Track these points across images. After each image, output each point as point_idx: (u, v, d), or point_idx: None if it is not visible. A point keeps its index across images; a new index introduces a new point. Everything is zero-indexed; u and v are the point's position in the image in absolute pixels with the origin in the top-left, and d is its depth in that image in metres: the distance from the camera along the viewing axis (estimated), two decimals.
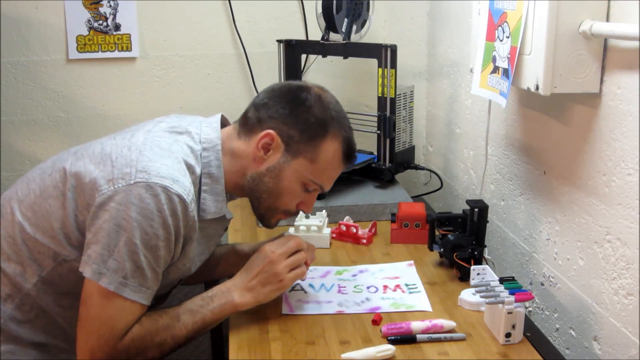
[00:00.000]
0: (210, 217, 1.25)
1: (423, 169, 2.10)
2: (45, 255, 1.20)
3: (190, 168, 1.20)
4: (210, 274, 1.46)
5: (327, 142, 1.25)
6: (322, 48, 1.97)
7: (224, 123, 1.33)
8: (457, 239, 1.44)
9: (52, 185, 1.21)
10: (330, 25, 1.92)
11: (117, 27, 2.08)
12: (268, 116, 1.25)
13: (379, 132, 1.87)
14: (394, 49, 1.81)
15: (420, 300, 1.35)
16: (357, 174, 1.93)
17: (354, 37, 1.95)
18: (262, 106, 1.27)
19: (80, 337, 1.14)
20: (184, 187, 1.15)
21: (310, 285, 1.41)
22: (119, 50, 2.10)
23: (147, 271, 1.14)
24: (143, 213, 1.11)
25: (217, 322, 1.23)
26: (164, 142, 1.21)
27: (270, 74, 2.17)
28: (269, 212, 1.30)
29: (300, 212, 1.67)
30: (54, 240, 1.19)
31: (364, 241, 1.65)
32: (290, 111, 1.25)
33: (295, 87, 1.29)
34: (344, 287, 1.42)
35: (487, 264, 1.43)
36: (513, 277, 1.25)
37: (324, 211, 1.70)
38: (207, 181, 1.24)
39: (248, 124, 1.27)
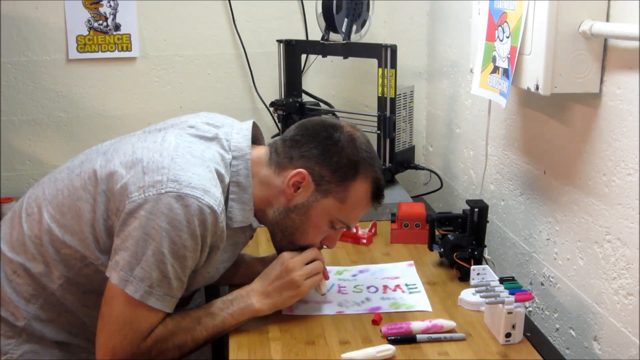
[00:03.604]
0: (237, 226, 1.25)
1: (423, 169, 2.10)
2: (72, 257, 1.20)
3: (220, 176, 1.20)
4: (228, 279, 1.45)
5: (358, 183, 1.25)
6: (322, 48, 1.97)
7: (255, 131, 1.32)
8: (457, 239, 1.44)
9: (81, 187, 1.20)
10: (330, 25, 1.92)
11: (117, 27, 2.08)
12: (300, 155, 1.24)
13: (379, 132, 1.87)
14: (394, 49, 1.81)
15: (420, 300, 1.35)
16: None
17: (354, 37, 1.94)
18: (295, 143, 1.26)
19: (102, 335, 1.14)
20: (215, 197, 1.15)
21: None
22: (119, 50, 2.10)
23: (173, 281, 1.14)
24: (172, 223, 1.11)
25: (237, 325, 1.23)
26: (196, 148, 1.20)
27: (270, 74, 2.18)
28: (290, 245, 1.29)
29: None
30: (82, 243, 1.19)
31: (364, 241, 1.65)
32: (322, 151, 1.24)
33: (328, 126, 1.27)
34: (344, 287, 1.42)
35: (487, 264, 1.43)
36: (513, 277, 1.25)
37: None
38: (235, 190, 1.23)
39: (279, 156, 1.26)
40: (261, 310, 1.24)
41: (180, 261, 1.14)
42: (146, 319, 1.13)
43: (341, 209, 1.26)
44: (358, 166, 1.24)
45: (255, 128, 1.32)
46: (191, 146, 1.21)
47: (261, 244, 1.65)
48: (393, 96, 1.84)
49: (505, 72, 1.31)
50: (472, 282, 1.34)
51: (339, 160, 1.24)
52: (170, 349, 1.16)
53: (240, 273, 1.43)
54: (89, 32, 2.07)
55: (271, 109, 2.08)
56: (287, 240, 1.29)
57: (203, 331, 1.19)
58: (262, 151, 1.29)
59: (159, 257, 1.11)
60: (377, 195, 1.28)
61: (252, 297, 1.24)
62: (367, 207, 1.30)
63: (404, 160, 2.01)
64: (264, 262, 1.39)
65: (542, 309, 1.46)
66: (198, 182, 1.14)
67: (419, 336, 1.19)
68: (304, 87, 2.11)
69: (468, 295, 1.32)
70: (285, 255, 1.27)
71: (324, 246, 1.34)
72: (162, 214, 1.11)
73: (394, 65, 1.82)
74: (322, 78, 2.24)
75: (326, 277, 1.33)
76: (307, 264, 1.27)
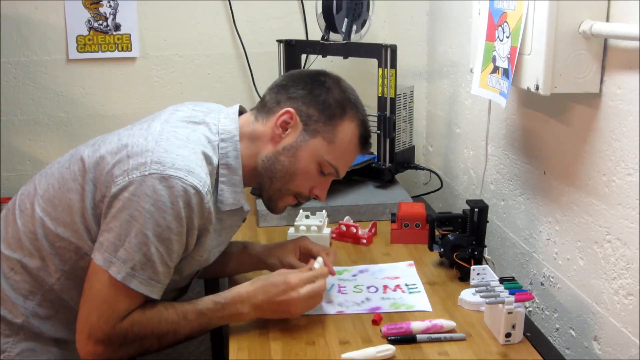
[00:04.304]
0: (227, 209, 1.24)
1: (423, 169, 2.10)
2: (66, 250, 1.20)
3: (207, 159, 1.19)
4: (222, 271, 1.45)
5: (345, 123, 1.26)
6: (322, 48, 1.97)
7: (241, 113, 1.32)
8: (457, 239, 1.44)
9: (71, 179, 1.21)
10: (330, 25, 1.92)
11: (117, 27, 2.08)
12: (287, 97, 1.26)
13: (379, 132, 1.87)
14: (394, 49, 1.81)
15: (420, 300, 1.35)
16: (357, 174, 1.93)
17: (354, 37, 1.94)
18: (281, 88, 1.28)
19: (81, 312, 1.15)
20: (200, 178, 1.14)
21: None
22: (119, 50, 2.10)
23: (158, 265, 1.13)
24: (156, 205, 1.11)
25: (220, 325, 1.23)
26: (181, 132, 1.20)
27: (270, 74, 2.17)
28: (279, 193, 1.28)
29: (300, 212, 1.68)
30: (75, 234, 1.19)
31: (364, 241, 1.65)
32: (310, 91, 1.25)
33: (314, 72, 1.30)
34: (344, 287, 1.42)
35: (487, 264, 1.43)
36: (513, 277, 1.25)
37: (324, 211, 1.70)
38: (224, 172, 1.23)
39: (266, 106, 1.28)
40: (249, 319, 1.23)
41: (166, 244, 1.13)
42: (124, 300, 1.13)
43: (330, 150, 1.25)
44: (345, 106, 1.26)
45: (242, 109, 1.33)
46: (176, 130, 1.21)
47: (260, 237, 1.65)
48: (393, 96, 1.84)
49: (505, 72, 1.31)
50: (472, 282, 1.34)
51: (325, 99, 1.25)
52: (148, 337, 1.15)
53: (241, 261, 1.44)
54: (89, 32, 2.07)
55: None
56: (275, 187, 1.27)
57: (187, 328, 1.18)
58: (247, 114, 1.31)
59: (142, 239, 1.11)
60: (365, 137, 1.29)
61: (245, 306, 1.21)
62: (355, 150, 1.30)
63: (404, 160, 2.01)
64: (259, 251, 1.41)
65: (542, 309, 1.46)
66: (182, 163, 1.13)
67: (419, 336, 1.19)
68: None
69: (468, 295, 1.32)
70: (293, 282, 1.21)
71: (314, 198, 1.31)
72: (145, 195, 1.11)
73: (394, 65, 1.82)
74: None
75: (331, 272, 1.32)
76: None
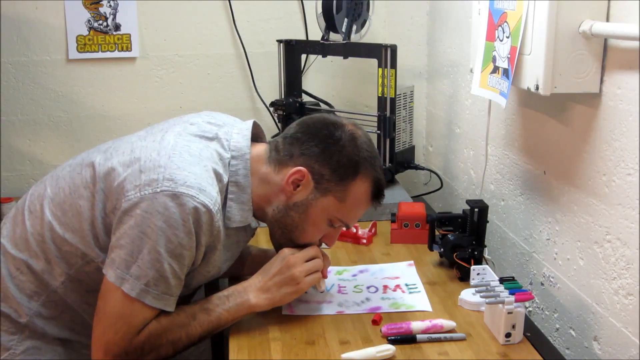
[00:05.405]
0: (235, 226, 1.25)
1: (423, 169, 2.11)
2: (73, 255, 1.21)
3: (218, 176, 1.20)
4: (239, 271, 1.46)
5: (357, 183, 1.24)
6: (322, 48, 1.97)
7: (256, 130, 1.32)
8: (457, 239, 1.44)
9: (82, 185, 1.21)
10: (330, 25, 1.92)
11: (117, 27, 2.08)
12: (300, 152, 1.24)
13: (379, 132, 1.87)
14: (394, 49, 1.81)
15: (420, 300, 1.35)
16: None
17: (354, 37, 1.94)
18: (295, 140, 1.25)
19: (97, 330, 1.15)
20: (211, 196, 1.15)
21: None
22: (119, 50, 2.10)
23: (171, 279, 1.14)
24: (168, 222, 1.11)
25: (232, 321, 1.23)
26: (194, 147, 1.20)
27: (270, 74, 2.18)
28: (290, 243, 1.29)
29: None
30: (82, 240, 1.20)
31: (364, 241, 1.65)
32: (323, 150, 1.23)
33: (330, 124, 1.26)
34: (344, 287, 1.42)
35: (487, 264, 1.43)
36: (513, 277, 1.25)
37: None
38: (233, 189, 1.23)
39: (279, 154, 1.26)
40: (258, 305, 1.23)
41: (178, 259, 1.14)
42: (140, 315, 1.14)
43: (340, 208, 1.25)
44: (358, 166, 1.24)
45: (256, 127, 1.32)
46: (189, 145, 1.21)
47: (261, 244, 1.65)
48: (393, 96, 1.84)
49: (505, 72, 1.31)
50: (472, 282, 1.34)
51: (339, 159, 1.23)
52: (164, 345, 1.16)
53: (247, 266, 1.44)
54: (89, 32, 2.07)
55: (271, 109, 2.08)
56: (286, 238, 1.29)
57: (197, 327, 1.19)
58: (261, 149, 1.29)
59: (154, 256, 1.12)
60: (377, 195, 1.28)
61: (249, 293, 1.24)
62: (366, 206, 1.29)
63: (404, 160, 2.01)
64: (269, 255, 1.40)
65: (542, 309, 1.46)
66: (194, 181, 1.14)
67: (419, 336, 1.19)
68: (304, 87, 2.11)
69: (468, 295, 1.32)
70: (286, 251, 1.27)
71: (323, 244, 1.34)
72: (157, 212, 1.11)
73: (394, 65, 1.82)
74: (322, 78, 2.24)
75: (324, 276, 1.32)
76: (307, 261, 1.27)
